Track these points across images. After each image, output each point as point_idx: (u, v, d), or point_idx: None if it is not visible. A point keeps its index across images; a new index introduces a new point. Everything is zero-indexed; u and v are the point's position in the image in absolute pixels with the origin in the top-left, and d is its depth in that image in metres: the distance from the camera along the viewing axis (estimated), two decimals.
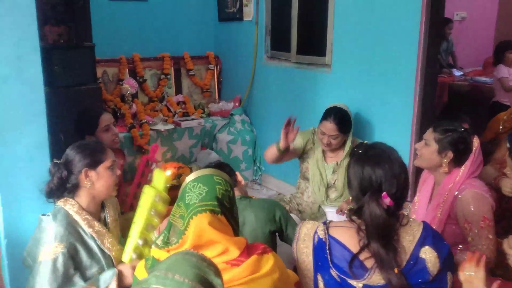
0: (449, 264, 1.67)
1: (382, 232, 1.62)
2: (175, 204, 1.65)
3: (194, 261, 1.22)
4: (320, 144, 3.04)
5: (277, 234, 2.36)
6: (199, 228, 1.54)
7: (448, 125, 2.28)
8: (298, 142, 3.13)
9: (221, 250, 1.57)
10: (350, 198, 1.88)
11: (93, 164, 2.02)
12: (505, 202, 2.61)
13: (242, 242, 1.62)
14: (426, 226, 1.72)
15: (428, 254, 1.64)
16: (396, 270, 1.59)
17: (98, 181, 2.03)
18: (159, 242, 1.72)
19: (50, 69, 2.96)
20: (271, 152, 3.08)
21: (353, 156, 1.76)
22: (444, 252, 1.66)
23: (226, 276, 1.48)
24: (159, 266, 1.22)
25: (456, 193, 2.22)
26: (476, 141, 2.27)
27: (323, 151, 3.09)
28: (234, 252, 1.57)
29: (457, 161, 2.25)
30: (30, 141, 2.18)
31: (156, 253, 1.65)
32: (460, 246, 2.26)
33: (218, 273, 1.24)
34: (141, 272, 1.66)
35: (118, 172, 2.11)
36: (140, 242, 2.05)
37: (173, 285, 1.14)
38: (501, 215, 2.57)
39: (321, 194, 3.06)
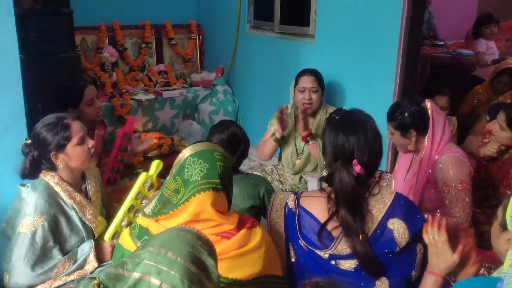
0: (420, 236, 1.69)
1: (350, 200, 1.63)
2: (170, 177, 1.61)
3: (188, 238, 1.20)
4: (298, 107, 3.04)
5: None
6: (200, 207, 1.53)
7: (395, 109, 2.35)
8: (277, 125, 3.12)
9: (215, 224, 1.57)
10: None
11: (59, 147, 1.94)
12: (483, 171, 2.68)
13: (235, 218, 1.62)
14: (398, 197, 1.72)
15: (396, 225, 1.66)
16: (360, 237, 1.61)
17: (69, 160, 1.97)
18: (147, 211, 1.70)
19: (25, 36, 2.86)
20: (270, 147, 3.06)
21: (329, 122, 1.76)
22: (416, 224, 1.68)
23: (216, 248, 1.48)
24: (154, 241, 1.20)
25: (436, 157, 2.27)
26: (429, 103, 2.31)
27: (295, 124, 3.11)
28: (228, 227, 1.58)
29: (423, 132, 2.30)
30: (5, 111, 2.13)
31: (143, 221, 1.64)
32: (439, 211, 2.32)
33: (212, 253, 1.23)
34: (126, 241, 1.65)
35: (91, 143, 2.02)
36: (123, 223, 2.05)
37: (165, 262, 1.13)
38: (479, 184, 2.64)
39: (291, 163, 3.11)
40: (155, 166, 2.10)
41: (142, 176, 2.05)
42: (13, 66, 2.13)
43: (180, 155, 1.61)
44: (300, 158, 3.10)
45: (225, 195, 1.60)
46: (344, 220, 1.63)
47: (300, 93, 2.98)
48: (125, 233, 1.68)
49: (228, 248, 1.53)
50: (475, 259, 1.62)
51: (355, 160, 1.63)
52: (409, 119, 2.29)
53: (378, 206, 1.68)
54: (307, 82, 2.97)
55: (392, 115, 2.34)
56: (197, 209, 1.53)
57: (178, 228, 1.27)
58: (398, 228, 1.66)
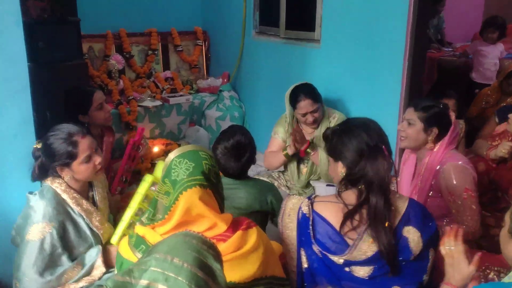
0: (432, 242, 1.70)
1: (386, 186, 1.65)
2: (160, 181, 1.65)
3: (194, 243, 1.21)
4: (303, 125, 3.05)
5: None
6: (189, 203, 1.55)
7: (428, 102, 2.30)
8: (282, 134, 3.15)
9: (209, 225, 1.58)
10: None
11: (65, 164, 1.97)
12: (493, 173, 2.66)
13: (229, 218, 1.64)
14: (412, 204, 1.73)
15: (412, 234, 1.66)
16: (386, 224, 1.62)
17: (75, 174, 2.00)
18: (144, 219, 1.72)
19: (33, 44, 2.89)
20: (279, 161, 3.08)
21: (336, 131, 1.78)
22: (429, 231, 1.69)
23: None
24: (159, 248, 1.21)
25: (438, 167, 2.24)
26: (452, 114, 2.30)
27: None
28: (222, 227, 1.59)
29: (441, 136, 2.27)
30: (14, 118, 2.15)
31: (140, 230, 1.66)
32: (446, 219, 2.29)
33: (218, 257, 1.24)
34: (124, 249, 1.67)
35: (98, 159, 2.02)
36: (130, 226, 2.06)
37: (172, 269, 1.13)
38: (487, 187, 2.62)
39: (293, 170, 3.11)
40: (160, 167, 2.12)
41: (149, 178, 2.06)
42: (22, 74, 2.15)
43: (166, 159, 1.65)
44: (306, 166, 3.09)
45: (213, 192, 1.62)
46: (373, 207, 1.64)
47: (303, 117, 2.96)
48: (124, 242, 1.71)
49: (225, 251, 1.53)
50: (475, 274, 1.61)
51: (383, 146, 1.67)
52: (440, 116, 2.25)
53: (393, 213, 1.68)
54: (306, 107, 2.91)
55: (422, 105, 2.27)
56: (186, 205, 1.55)
57: (183, 234, 1.28)
58: (413, 237, 1.67)
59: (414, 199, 1.80)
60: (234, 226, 1.62)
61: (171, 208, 1.57)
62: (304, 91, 2.93)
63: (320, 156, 2.91)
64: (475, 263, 1.57)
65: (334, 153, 1.78)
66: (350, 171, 1.71)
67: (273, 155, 3.11)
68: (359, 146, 1.68)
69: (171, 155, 1.64)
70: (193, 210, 1.56)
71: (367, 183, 1.66)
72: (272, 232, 2.20)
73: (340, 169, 1.75)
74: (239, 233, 1.59)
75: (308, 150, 2.93)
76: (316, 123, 2.99)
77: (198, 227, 1.57)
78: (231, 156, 2.22)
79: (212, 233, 1.58)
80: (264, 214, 2.25)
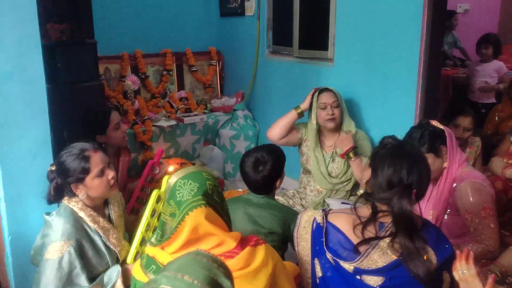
0: (448, 264, 1.69)
1: (410, 226, 1.64)
2: (165, 203, 1.68)
3: (204, 261, 1.22)
4: (322, 123, 3.06)
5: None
6: (196, 222, 1.57)
7: (417, 133, 2.29)
8: (300, 129, 3.20)
9: (217, 242, 1.60)
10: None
11: (79, 179, 1.99)
12: (511, 193, 2.62)
13: (238, 235, 1.65)
14: (427, 224, 1.74)
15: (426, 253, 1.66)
16: (425, 257, 1.61)
17: (89, 190, 2.02)
18: (153, 240, 1.75)
19: (52, 66, 2.95)
20: (287, 118, 3.16)
21: (389, 147, 1.76)
22: (445, 253, 1.68)
23: None
24: (170, 266, 1.22)
25: (454, 184, 2.21)
26: (434, 122, 2.29)
27: (320, 143, 3.11)
28: (230, 244, 1.60)
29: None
30: (32, 139, 2.19)
31: (150, 250, 1.68)
32: (466, 237, 2.26)
33: (228, 275, 1.24)
34: (137, 271, 1.70)
35: (111, 174, 2.05)
36: (142, 242, 2.06)
37: (182, 286, 1.14)
38: (507, 206, 2.58)
39: (326, 182, 3.07)
40: (166, 181, 2.13)
41: (154, 193, 2.09)
42: (40, 95, 2.20)
43: (169, 181, 1.68)
44: (332, 176, 3.06)
45: (218, 211, 1.64)
46: (404, 246, 1.63)
47: (322, 110, 3.01)
48: (137, 263, 1.73)
49: (233, 268, 1.53)
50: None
51: (414, 190, 1.65)
52: (436, 135, 2.24)
53: None
54: (327, 98, 3.03)
55: (420, 141, 2.25)
56: (193, 224, 1.57)
57: (194, 253, 1.29)
58: (427, 256, 1.65)
59: (428, 220, 1.79)
60: (242, 243, 1.64)
61: (177, 228, 1.59)
62: (327, 88, 3.11)
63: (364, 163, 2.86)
64: (489, 285, 1.55)
65: (372, 163, 1.77)
66: (372, 190, 1.71)
67: (282, 117, 3.19)
68: (392, 178, 1.67)
69: (175, 177, 1.67)
70: (200, 229, 1.58)
71: (392, 217, 1.67)
72: (291, 254, 2.19)
73: (368, 175, 1.77)
74: (247, 249, 1.60)
75: (350, 154, 2.90)
76: (334, 120, 3.01)
77: (206, 244, 1.59)
78: (251, 168, 2.26)
79: (220, 250, 1.59)
80: (285, 237, 2.24)
